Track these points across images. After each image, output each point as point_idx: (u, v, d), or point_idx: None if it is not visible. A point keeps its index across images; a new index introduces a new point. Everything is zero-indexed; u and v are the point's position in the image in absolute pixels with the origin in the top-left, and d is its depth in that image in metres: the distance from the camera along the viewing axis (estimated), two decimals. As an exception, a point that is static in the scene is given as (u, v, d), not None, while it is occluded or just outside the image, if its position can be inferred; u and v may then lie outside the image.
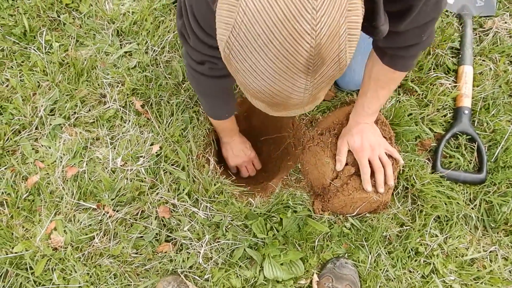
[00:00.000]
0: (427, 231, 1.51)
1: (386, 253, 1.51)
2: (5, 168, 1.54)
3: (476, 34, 1.79)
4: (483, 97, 1.67)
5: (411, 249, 1.51)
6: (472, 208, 1.55)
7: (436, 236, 1.52)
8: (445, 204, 1.54)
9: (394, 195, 1.57)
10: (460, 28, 1.77)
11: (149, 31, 1.70)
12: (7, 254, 1.44)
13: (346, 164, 1.48)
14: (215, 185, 1.53)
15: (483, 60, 1.74)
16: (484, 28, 1.80)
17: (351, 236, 1.53)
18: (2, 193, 1.51)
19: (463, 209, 1.53)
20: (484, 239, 1.55)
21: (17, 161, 1.54)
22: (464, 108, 1.63)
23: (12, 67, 1.65)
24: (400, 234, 1.53)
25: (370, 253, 1.50)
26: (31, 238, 1.47)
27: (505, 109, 1.66)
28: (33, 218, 1.50)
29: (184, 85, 1.65)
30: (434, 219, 1.54)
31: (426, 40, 1.15)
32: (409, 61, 1.23)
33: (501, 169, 1.57)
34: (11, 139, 1.56)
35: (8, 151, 1.56)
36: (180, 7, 1.07)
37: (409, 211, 1.56)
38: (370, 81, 1.31)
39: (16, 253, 1.44)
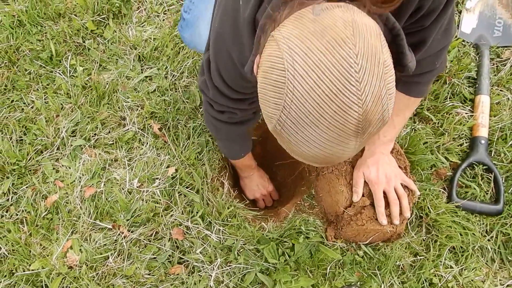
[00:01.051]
0: (441, 261, 1.49)
1: (399, 283, 1.49)
2: (26, 187, 1.59)
3: (493, 64, 1.79)
4: (500, 127, 1.66)
5: (425, 280, 1.48)
6: (489, 240, 1.53)
7: (451, 267, 1.50)
8: (460, 235, 1.51)
9: (408, 224, 1.55)
10: (477, 58, 1.77)
11: (169, 57, 1.76)
12: (24, 271, 1.47)
13: (362, 195, 1.47)
14: (228, 208, 1.55)
15: (501, 90, 1.74)
16: (502, 58, 1.79)
17: (363, 264, 1.51)
18: (23, 211, 1.56)
19: (479, 241, 1.51)
20: (501, 272, 1.52)
21: (38, 180, 1.59)
22: (481, 138, 1.62)
23: (38, 90, 1.72)
24: (414, 264, 1.51)
25: (383, 282, 1.49)
26: (47, 256, 1.50)
27: (523, 140, 1.64)
28: (51, 236, 1.53)
29: (201, 109, 1.69)
30: (449, 249, 1.52)
31: (440, 66, 1.17)
32: (423, 87, 1.25)
33: (518, 201, 1.55)
34: (33, 158, 1.62)
35: (30, 170, 1.61)
36: (202, 65, 1.14)
37: (423, 240, 1.54)
38: None
39: (32, 270, 1.47)
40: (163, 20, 1.82)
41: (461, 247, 1.52)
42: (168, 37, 1.77)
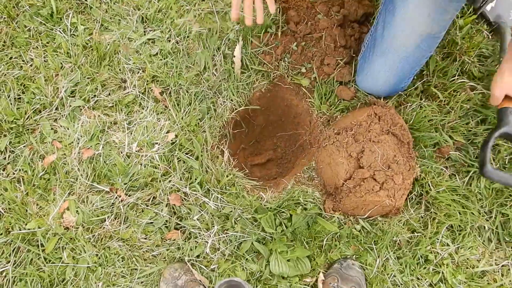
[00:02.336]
0: (438, 239, 1.49)
1: (394, 258, 1.49)
2: (24, 146, 1.57)
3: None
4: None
5: (421, 256, 1.49)
6: (487, 220, 1.52)
7: (448, 245, 1.50)
8: (459, 213, 1.51)
9: (408, 201, 1.55)
10: (500, 35, 1.71)
11: (173, 20, 1.71)
12: (20, 230, 1.47)
13: (361, 167, 1.46)
14: (227, 176, 1.53)
15: None
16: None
17: (360, 238, 1.51)
18: (20, 170, 1.54)
19: (477, 220, 1.50)
20: (497, 252, 1.52)
21: (35, 140, 1.57)
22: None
23: (37, 48, 1.68)
24: (411, 241, 1.51)
25: (379, 256, 1.49)
26: (44, 216, 1.50)
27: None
28: (48, 196, 1.52)
29: (205, 75, 1.65)
30: (446, 228, 1.51)
31: None
32: None
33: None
34: (31, 117, 1.59)
35: (28, 129, 1.59)
36: None
37: (422, 218, 1.54)
38: None
39: (29, 229, 1.47)
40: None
41: (459, 225, 1.52)
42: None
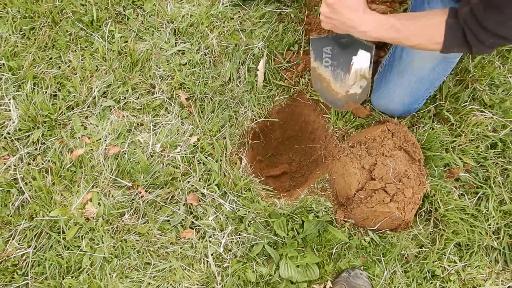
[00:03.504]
0: (445, 255, 1.52)
1: (402, 272, 1.53)
2: (55, 139, 1.66)
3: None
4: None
5: (428, 271, 1.52)
6: (494, 240, 1.55)
7: (455, 262, 1.53)
8: (467, 231, 1.54)
9: (417, 216, 1.59)
10: (501, 67, 1.80)
11: (203, 34, 1.83)
12: (43, 217, 1.54)
13: (373, 179, 1.52)
14: (244, 181, 1.60)
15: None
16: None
17: (369, 249, 1.55)
18: (49, 161, 1.63)
19: (485, 239, 1.54)
20: (503, 273, 1.54)
21: (66, 134, 1.67)
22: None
23: (76, 51, 1.80)
24: (418, 255, 1.55)
25: (386, 268, 1.52)
26: (67, 205, 1.57)
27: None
28: (72, 188, 1.60)
29: (229, 86, 1.76)
30: (454, 245, 1.55)
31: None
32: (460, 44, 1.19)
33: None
34: (64, 113, 1.69)
35: (60, 124, 1.69)
36: None
37: (430, 234, 1.57)
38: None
39: (52, 217, 1.54)
40: (201, -2, 1.91)
41: (467, 244, 1.55)
42: (204, 15, 1.85)
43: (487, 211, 1.58)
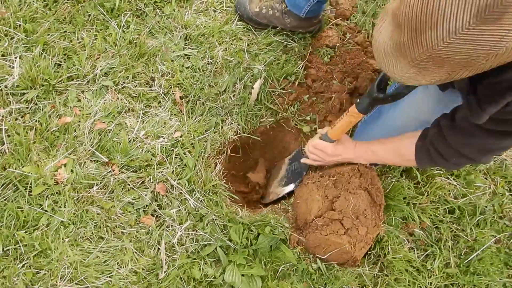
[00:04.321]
0: (384, 300, 1.58)
1: (339, 305, 1.57)
2: (48, 103, 1.74)
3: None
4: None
5: (364, 311, 1.57)
6: (433, 297, 1.62)
7: (391, 308, 1.58)
8: (409, 283, 1.61)
9: (365, 258, 1.66)
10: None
11: (211, 45, 1.96)
12: (15, 169, 1.59)
13: (333, 210, 1.60)
14: (213, 182, 1.67)
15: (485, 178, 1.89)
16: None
17: (314, 277, 1.61)
18: (36, 121, 1.69)
19: (424, 294, 1.60)
20: (435, 331, 1.59)
21: (60, 101, 1.74)
22: None
23: (90, 31, 1.91)
24: (359, 294, 1.60)
25: (325, 298, 1.57)
26: (41, 166, 1.62)
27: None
28: (51, 151, 1.66)
29: (223, 96, 1.86)
30: (394, 293, 1.61)
31: (474, 162, 1.29)
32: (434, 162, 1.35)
33: (469, 273, 1.65)
34: (63, 82, 1.78)
35: (57, 91, 1.77)
36: None
37: (374, 276, 1.64)
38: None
39: (24, 172, 1.59)
40: (218, 13, 2.04)
41: (406, 295, 1.61)
42: (217, 29, 1.98)
43: (432, 268, 1.65)
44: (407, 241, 1.71)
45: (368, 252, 1.67)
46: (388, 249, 1.65)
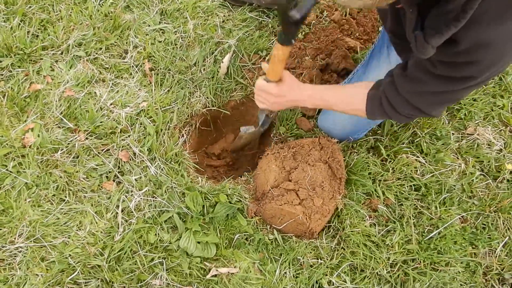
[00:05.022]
0: (337, 271, 1.57)
1: (292, 275, 1.57)
2: (22, 71, 1.79)
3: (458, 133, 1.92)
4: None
5: (316, 281, 1.56)
6: (388, 272, 1.60)
7: (345, 281, 1.57)
8: (366, 257, 1.60)
9: (323, 231, 1.65)
10: (447, 122, 1.90)
11: (186, 20, 1.98)
12: (-16, 132, 1.65)
13: (290, 180, 1.60)
14: (173, 151, 1.70)
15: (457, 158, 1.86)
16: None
17: (270, 247, 1.61)
18: (9, 87, 1.75)
19: (380, 269, 1.58)
20: (390, 306, 1.58)
21: (33, 70, 1.80)
22: None
23: (69, 4, 1.97)
24: (313, 265, 1.60)
25: (279, 268, 1.57)
26: (10, 129, 1.68)
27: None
28: (21, 116, 1.72)
29: (192, 69, 1.89)
30: (350, 266, 1.60)
31: (424, 114, 1.28)
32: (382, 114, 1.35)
33: (430, 250, 1.63)
34: (38, 51, 1.83)
35: (31, 60, 1.83)
36: None
37: (331, 249, 1.63)
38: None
39: (-9, 135, 1.65)
40: (195, -11, 2.08)
41: (362, 269, 1.60)
42: (191, 4, 2.01)
43: (391, 244, 1.63)
44: (368, 217, 1.69)
45: (327, 226, 1.66)
46: (347, 222, 1.64)
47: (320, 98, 1.47)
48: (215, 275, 1.55)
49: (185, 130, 1.83)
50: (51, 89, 1.77)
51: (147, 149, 1.69)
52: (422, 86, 1.19)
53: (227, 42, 1.94)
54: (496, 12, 0.94)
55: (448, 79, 1.12)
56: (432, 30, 0.97)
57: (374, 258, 1.60)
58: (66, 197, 1.61)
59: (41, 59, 1.83)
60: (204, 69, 1.90)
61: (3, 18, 1.88)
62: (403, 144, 1.82)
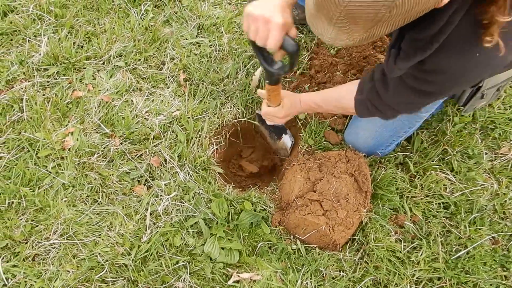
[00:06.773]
0: (359, 285, 1.56)
1: (313, 287, 1.57)
2: (66, 78, 1.92)
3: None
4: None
5: (338, 294, 1.55)
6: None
7: (367, 296, 1.56)
8: (390, 273, 1.57)
9: (347, 245, 1.65)
10: (481, 141, 1.86)
11: (221, 34, 2.06)
12: (29, 134, 1.76)
13: (314, 191, 1.61)
14: (202, 158, 1.75)
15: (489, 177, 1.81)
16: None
17: (292, 257, 1.62)
18: (54, 93, 1.87)
19: (404, 285, 1.56)
20: (413, 324, 1.54)
21: (77, 78, 1.92)
22: None
23: (113, 18, 2.09)
24: (335, 278, 1.59)
25: (300, 278, 1.57)
26: (52, 132, 1.79)
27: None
28: (63, 121, 1.83)
29: (225, 81, 1.95)
30: (373, 280, 1.58)
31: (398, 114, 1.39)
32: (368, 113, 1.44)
33: (457, 269, 1.59)
34: (82, 61, 1.95)
35: (75, 68, 1.95)
36: None
37: (354, 262, 1.62)
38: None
39: (35, 136, 1.76)
40: (230, 5, 2.15)
41: (386, 285, 1.57)
42: (227, 20, 2.08)
43: (416, 260, 1.60)
44: (394, 232, 1.67)
45: (351, 239, 1.65)
46: (371, 237, 1.63)
47: (317, 107, 1.62)
48: (237, 281, 1.57)
49: (215, 139, 1.88)
50: (92, 96, 1.88)
51: (177, 156, 1.75)
52: (400, 96, 1.29)
53: (260, 56, 2.00)
54: (457, 45, 1.03)
55: (420, 92, 1.22)
56: (404, 53, 1.08)
57: (399, 274, 1.57)
58: (99, 198, 1.69)
59: (84, 68, 1.95)
60: (236, 81, 1.96)
61: (52, 29, 2.02)
62: (433, 161, 1.79)
